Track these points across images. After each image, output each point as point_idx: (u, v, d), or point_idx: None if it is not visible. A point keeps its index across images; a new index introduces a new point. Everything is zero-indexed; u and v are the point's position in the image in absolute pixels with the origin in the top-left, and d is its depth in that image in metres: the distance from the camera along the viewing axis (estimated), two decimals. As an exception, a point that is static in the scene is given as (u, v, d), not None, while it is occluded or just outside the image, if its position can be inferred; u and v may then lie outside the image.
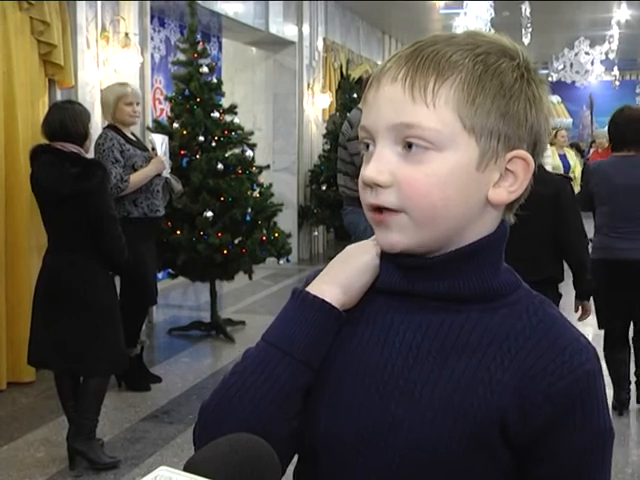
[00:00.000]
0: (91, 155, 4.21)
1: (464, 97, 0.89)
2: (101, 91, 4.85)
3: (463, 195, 0.91)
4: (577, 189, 4.79)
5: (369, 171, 0.91)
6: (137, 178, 4.72)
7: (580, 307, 4.01)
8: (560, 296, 3.82)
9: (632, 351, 4.56)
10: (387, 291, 0.96)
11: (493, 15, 10.47)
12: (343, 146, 5.47)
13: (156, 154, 4.90)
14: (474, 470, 0.90)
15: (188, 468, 0.77)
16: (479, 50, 0.90)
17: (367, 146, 0.94)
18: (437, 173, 0.89)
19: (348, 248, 1.01)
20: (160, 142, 4.97)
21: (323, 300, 0.95)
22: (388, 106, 0.91)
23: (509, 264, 0.97)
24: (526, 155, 0.92)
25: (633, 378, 4.62)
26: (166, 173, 4.97)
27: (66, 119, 3.80)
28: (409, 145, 0.89)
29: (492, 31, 10.41)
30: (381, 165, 0.91)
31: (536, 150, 0.94)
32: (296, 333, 0.94)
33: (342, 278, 0.97)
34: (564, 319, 0.95)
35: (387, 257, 0.95)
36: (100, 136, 4.72)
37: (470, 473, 0.90)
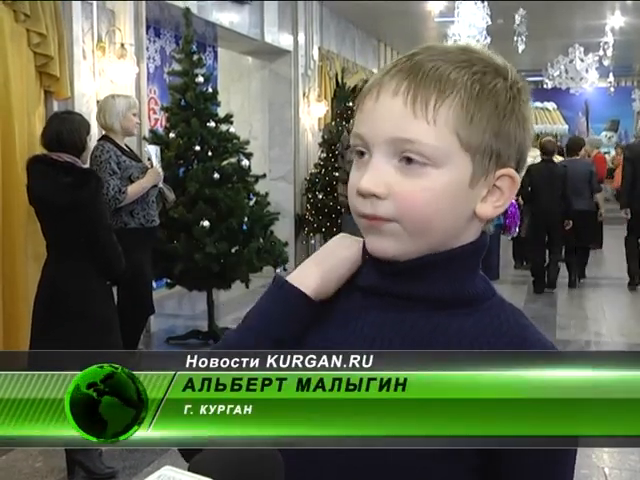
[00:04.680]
0: (88, 166, 4.21)
1: (463, 116, 0.92)
2: (106, 100, 4.82)
3: (455, 209, 0.94)
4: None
5: (366, 182, 0.93)
6: (134, 190, 4.72)
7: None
8: None
9: None
10: (366, 289, 0.99)
11: (489, 23, 10.49)
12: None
13: (151, 165, 4.91)
14: (440, 468, 0.91)
15: (192, 468, 0.78)
16: (475, 69, 0.93)
17: (360, 153, 0.96)
18: (433, 188, 0.92)
19: (332, 240, 1.04)
20: (155, 153, 4.98)
21: (293, 286, 0.98)
22: (388, 119, 0.92)
23: None
24: (514, 173, 0.96)
25: None
26: (160, 183, 4.98)
27: (62, 129, 3.81)
28: (408, 159, 0.92)
29: (488, 39, 10.49)
30: (378, 177, 0.92)
31: (520, 166, 0.98)
32: (270, 315, 0.98)
33: (321, 268, 0.99)
34: (534, 328, 0.97)
35: (370, 256, 0.98)
36: (96, 148, 4.69)
37: (435, 471, 0.91)
